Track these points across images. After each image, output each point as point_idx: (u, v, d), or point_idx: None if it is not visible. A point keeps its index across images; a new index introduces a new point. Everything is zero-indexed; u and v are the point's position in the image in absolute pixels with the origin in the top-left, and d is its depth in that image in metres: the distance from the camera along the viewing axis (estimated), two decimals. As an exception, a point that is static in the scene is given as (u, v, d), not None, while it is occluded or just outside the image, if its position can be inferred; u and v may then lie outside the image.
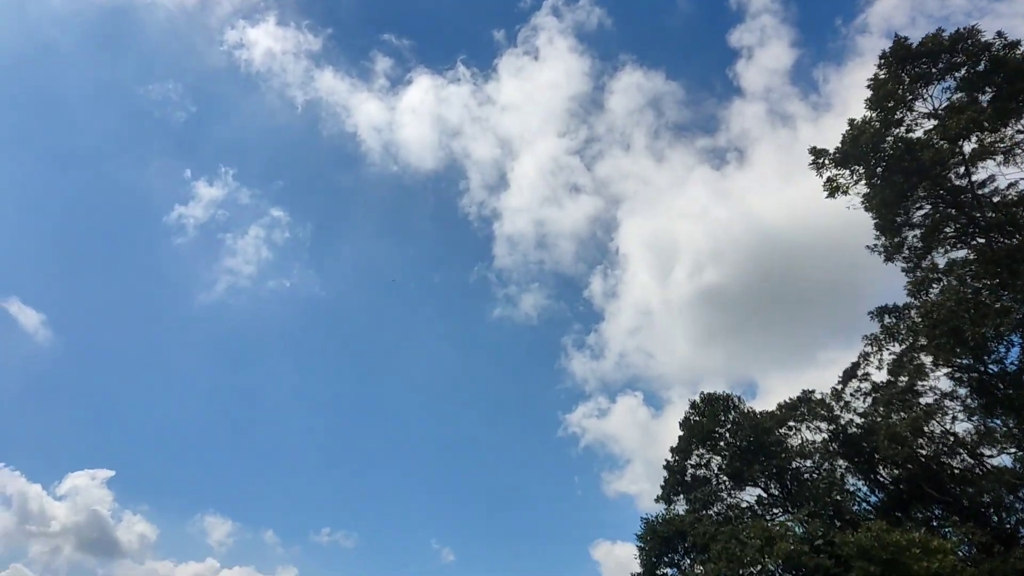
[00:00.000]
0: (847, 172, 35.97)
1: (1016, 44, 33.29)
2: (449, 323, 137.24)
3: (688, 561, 39.60)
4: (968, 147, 35.99)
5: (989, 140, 35.92)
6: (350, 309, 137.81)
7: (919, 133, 34.47)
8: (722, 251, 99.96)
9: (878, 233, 39.34)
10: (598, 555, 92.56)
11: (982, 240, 35.56)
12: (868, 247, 39.72)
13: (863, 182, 36.45)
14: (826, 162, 35.81)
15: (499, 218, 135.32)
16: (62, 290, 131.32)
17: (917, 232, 38.52)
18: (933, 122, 34.26)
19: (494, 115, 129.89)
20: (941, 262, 38.15)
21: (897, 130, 34.91)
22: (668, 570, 39.99)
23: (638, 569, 41.01)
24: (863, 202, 37.10)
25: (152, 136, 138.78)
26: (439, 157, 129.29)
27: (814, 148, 35.92)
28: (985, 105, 33.08)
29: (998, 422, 37.26)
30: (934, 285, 36.61)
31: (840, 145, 35.29)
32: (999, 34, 33.57)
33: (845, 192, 36.51)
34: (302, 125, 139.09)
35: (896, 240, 38.89)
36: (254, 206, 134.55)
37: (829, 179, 36.12)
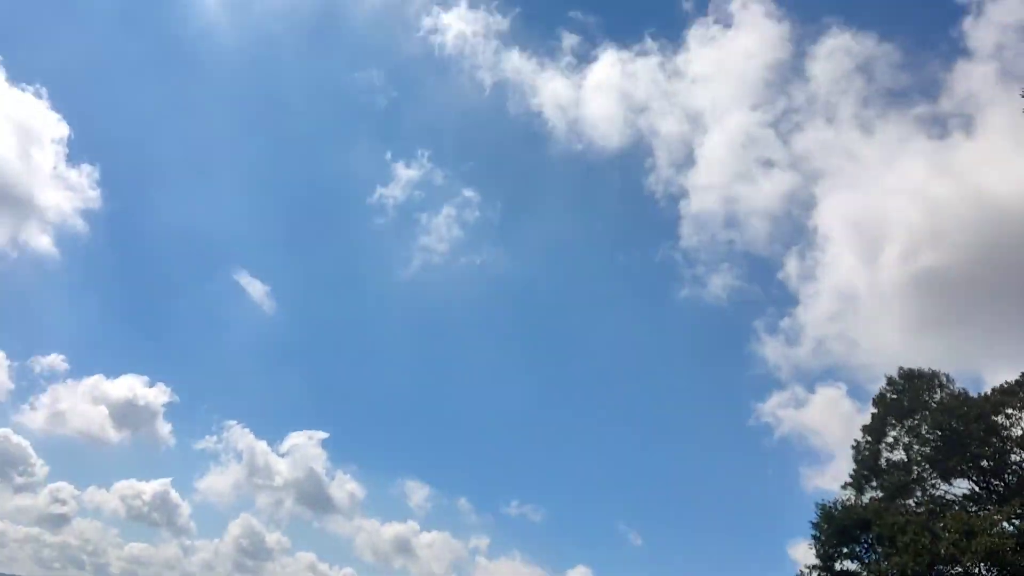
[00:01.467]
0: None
1: None
2: (635, 303, 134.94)
3: (874, 556, 34.94)
4: None
5: None
6: (538, 286, 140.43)
7: None
8: (943, 231, 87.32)
9: None
10: (797, 555, 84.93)
11: None
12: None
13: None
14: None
15: (686, 196, 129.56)
16: (283, 264, 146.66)
17: None
18: None
19: (683, 89, 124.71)
20: None
21: None
22: (849, 563, 35.57)
23: (815, 561, 36.94)
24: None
25: (358, 121, 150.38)
26: (625, 134, 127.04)
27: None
28: None
29: None
30: None
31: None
32: None
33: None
34: (490, 106, 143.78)
35: None
36: (447, 187, 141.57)
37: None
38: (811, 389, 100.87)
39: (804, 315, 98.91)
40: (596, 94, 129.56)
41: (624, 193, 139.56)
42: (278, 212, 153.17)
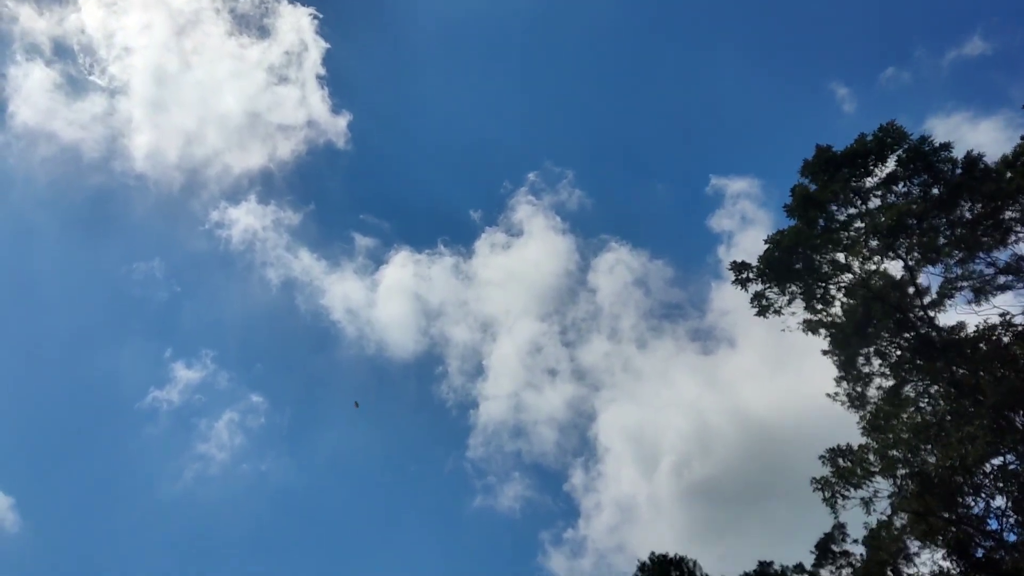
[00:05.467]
0: (775, 288, 31.73)
1: (947, 146, 30.00)
2: (426, 512, 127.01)
3: None
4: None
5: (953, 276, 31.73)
6: (325, 497, 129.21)
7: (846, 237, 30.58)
8: (711, 442, 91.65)
9: (840, 375, 34.20)
10: None
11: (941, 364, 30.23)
12: (828, 395, 34.44)
13: (799, 300, 32.13)
14: (750, 276, 31.72)
15: (475, 406, 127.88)
16: (31, 474, 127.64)
17: (881, 380, 33.24)
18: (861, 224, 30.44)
19: (474, 296, 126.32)
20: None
21: (825, 237, 31.03)
22: None
23: None
24: (801, 327, 32.58)
25: (133, 317, 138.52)
26: (419, 341, 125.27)
27: (734, 263, 31.94)
28: (920, 200, 29.24)
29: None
30: (893, 420, 30.88)
31: (763, 255, 31.32)
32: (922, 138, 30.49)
33: (778, 312, 32.09)
34: (279, 305, 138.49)
35: (859, 389, 33.62)
36: (231, 390, 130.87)
37: (756, 295, 31.83)
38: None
39: (586, 527, 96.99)
40: (389, 297, 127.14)
41: (418, 400, 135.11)
42: (29, 417, 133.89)
